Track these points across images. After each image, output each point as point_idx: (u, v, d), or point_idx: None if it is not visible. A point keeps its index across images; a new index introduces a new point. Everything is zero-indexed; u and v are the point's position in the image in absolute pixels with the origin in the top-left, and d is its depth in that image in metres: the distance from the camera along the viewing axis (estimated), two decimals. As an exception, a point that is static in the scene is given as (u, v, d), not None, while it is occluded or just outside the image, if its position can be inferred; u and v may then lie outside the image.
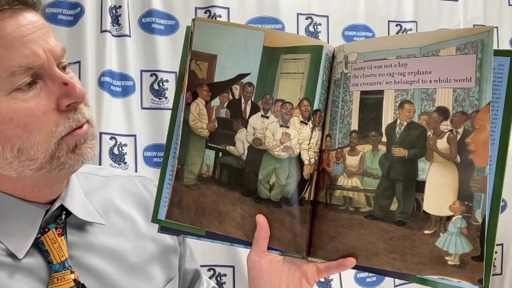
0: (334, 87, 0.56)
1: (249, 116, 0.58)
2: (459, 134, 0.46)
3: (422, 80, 0.47)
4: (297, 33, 1.52)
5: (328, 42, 1.45)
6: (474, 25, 1.62)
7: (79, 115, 0.52)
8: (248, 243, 0.59)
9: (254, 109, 0.58)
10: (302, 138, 0.57)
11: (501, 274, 1.68)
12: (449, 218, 0.48)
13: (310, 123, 0.56)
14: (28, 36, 0.49)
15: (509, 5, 1.66)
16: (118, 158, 1.42)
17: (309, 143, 0.57)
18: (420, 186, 0.49)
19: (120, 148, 1.42)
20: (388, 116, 0.50)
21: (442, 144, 0.47)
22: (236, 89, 0.58)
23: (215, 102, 0.59)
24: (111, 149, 1.41)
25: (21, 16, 0.50)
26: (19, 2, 0.50)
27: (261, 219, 0.57)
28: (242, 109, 0.58)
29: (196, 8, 1.47)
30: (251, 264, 0.58)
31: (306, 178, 0.57)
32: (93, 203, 0.62)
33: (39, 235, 0.54)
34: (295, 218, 0.57)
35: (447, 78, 0.46)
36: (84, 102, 0.53)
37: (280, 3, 1.51)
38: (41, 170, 0.52)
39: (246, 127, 0.58)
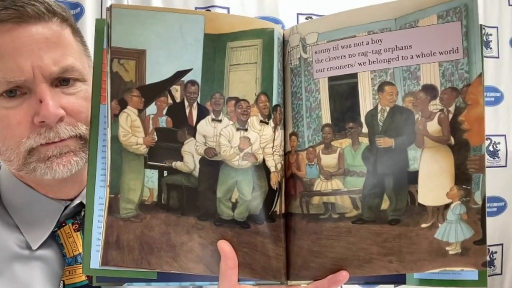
0: (292, 77, 0.48)
1: (197, 122, 0.47)
2: (450, 113, 0.41)
3: (402, 57, 0.41)
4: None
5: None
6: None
7: (51, 134, 0.53)
8: (213, 278, 0.48)
9: (202, 113, 0.47)
10: (264, 141, 0.47)
11: (501, 274, 1.73)
12: (447, 206, 0.43)
13: (271, 121, 0.47)
14: (21, 50, 0.51)
15: (509, 5, 1.72)
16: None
17: (273, 146, 0.48)
18: (413, 177, 0.43)
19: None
20: (366, 102, 0.43)
21: (432, 126, 0.41)
22: (177, 91, 0.46)
23: (151, 109, 0.47)
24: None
25: (23, 29, 0.52)
26: (21, 15, 0.52)
27: (224, 246, 0.47)
28: (187, 115, 0.47)
29: (196, 8, 1.46)
30: None
31: (275, 188, 0.48)
32: None
33: (56, 229, 0.59)
34: (267, 238, 0.47)
35: (431, 51, 0.40)
36: (79, 119, 0.55)
37: (280, 3, 1.52)
38: (22, 171, 0.56)
39: (194, 136, 0.47)
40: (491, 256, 1.72)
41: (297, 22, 1.55)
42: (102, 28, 0.47)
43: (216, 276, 0.48)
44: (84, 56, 0.60)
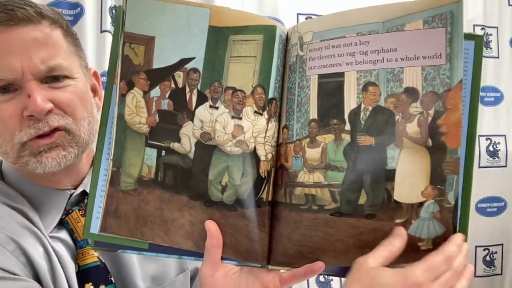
0: (289, 73, 0.50)
1: (196, 107, 0.50)
2: (430, 116, 0.42)
3: (387, 59, 0.43)
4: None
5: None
6: (474, 25, 1.66)
7: (40, 124, 0.57)
8: (199, 255, 0.52)
9: (201, 99, 0.50)
10: (257, 130, 0.50)
11: (501, 274, 1.72)
12: (421, 204, 0.44)
13: (265, 113, 0.50)
14: (11, 50, 0.56)
15: (509, 5, 1.72)
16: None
17: (265, 136, 0.50)
18: (390, 175, 0.44)
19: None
20: (350, 101, 0.45)
21: (412, 128, 0.43)
22: (179, 76, 0.50)
23: (155, 92, 0.51)
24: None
25: (14, 31, 0.56)
26: (12, 18, 0.56)
27: (211, 226, 0.50)
28: (187, 100, 0.51)
29: None
30: (204, 279, 0.51)
31: (263, 176, 0.50)
32: None
33: (64, 216, 0.63)
34: (252, 222, 0.50)
35: (415, 55, 0.41)
36: (67, 112, 0.59)
37: (280, 3, 1.52)
38: (17, 164, 0.60)
39: (192, 120, 0.50)
40: (491, 256, 1.70)
41: (297, 22, 1.55)
42: (120, 15, 0.52)
43: (202, 253, 0.51)
44: (75, 56, 0.63)
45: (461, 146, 0.42)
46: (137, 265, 0.66)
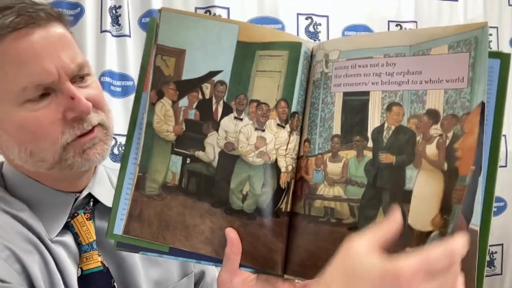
0: (313, 88, 0.52)
1: (221, 118, 0.52)
2: (448, 139, 0.42)
3: (412, 81, 0.44)
4: (297, 33, 1.54)
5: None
6: (473, 25, 1.66)
7: (84, 124, 0.58)
8: (218, 260, 0.53)
9: (227, 110, 0.52)
10: (278, 143, 0.52)
11: (501, 274, 1.72)
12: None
13: (287, 126, 0.52)
14: (41, 53, 0.54)
15: (509, 5, 1.71)
16: (118, 158, 1.46)
17: (286, 149, 0.52)
18: (407, 196, 0.44)
19: (120, 148, 1.46)
20: (374, 119, 0.46)
21: (431, 149, 0.43)
22: (207, 88, 0.52)
23: (183, 102, 0.53)
24: (111, 149, 1.48)
25: (38, 33, 0.55)
26: (34, 19, 0.55)
27: (231, 233, 0.52)
28: (213, 110, 0.52)
29: (196, 8, 1.49)
30: (222, 285, 0.52)
31: (283, 187, 0.52)
32: None
33: (69, 219, 0.62)
34: (270, 231, 0.51)
35: (438, 79, 0.42)
36: (99, 107, 0.60)
37: (280, 3, 1.53)
38: (53, 169, 0.59)
39: (217, 130, 0.52)
40: (491, 256, 1.70)
41: (297, 22, 1.55)
42: (153, 26, 0.54)
43: (221, 259, 0.52)
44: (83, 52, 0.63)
45: (470, 175, 0.40)
46: (141, 269, 0.67)
